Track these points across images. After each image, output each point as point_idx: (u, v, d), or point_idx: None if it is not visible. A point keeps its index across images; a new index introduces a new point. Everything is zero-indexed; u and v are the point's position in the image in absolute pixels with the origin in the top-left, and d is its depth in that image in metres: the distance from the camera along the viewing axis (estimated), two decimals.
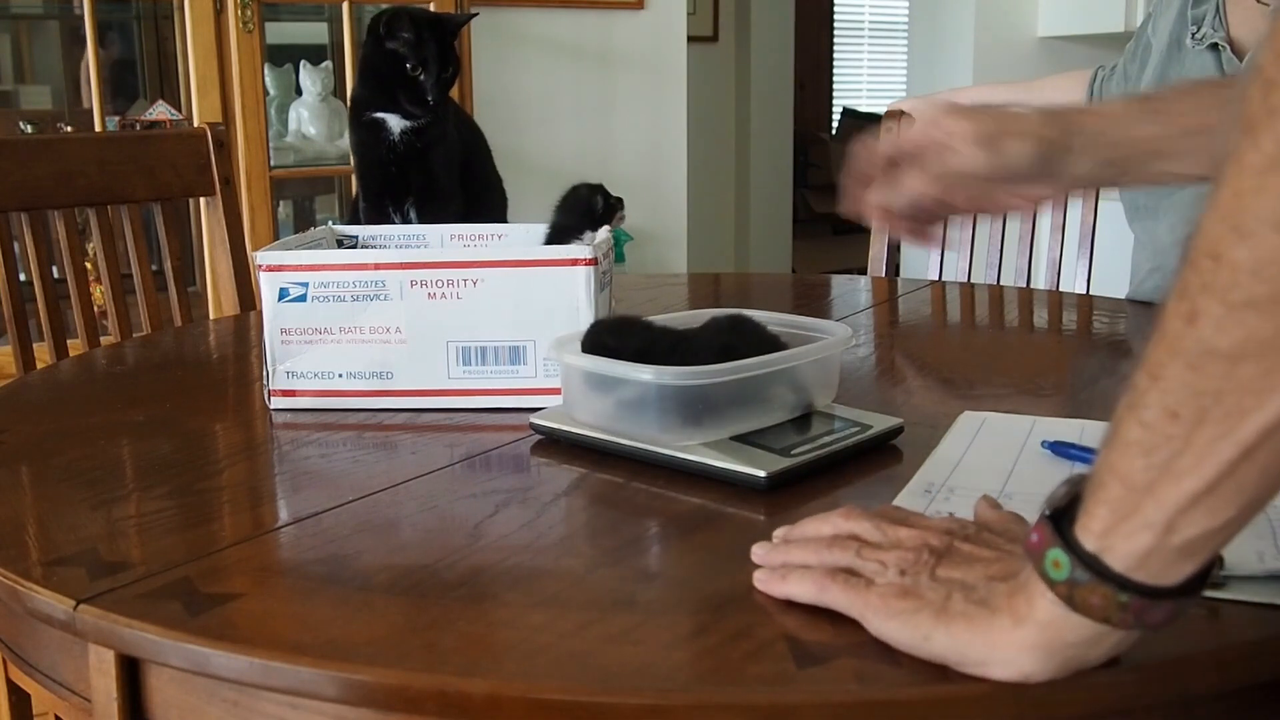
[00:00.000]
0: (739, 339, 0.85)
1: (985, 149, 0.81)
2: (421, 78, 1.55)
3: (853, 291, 1.60)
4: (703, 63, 4.79)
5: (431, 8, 2.70)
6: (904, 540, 0.59)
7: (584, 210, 1.17)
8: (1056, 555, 0.49)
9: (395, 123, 1.58)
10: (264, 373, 0.98)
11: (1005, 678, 0.51)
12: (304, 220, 3.26)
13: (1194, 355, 0.44)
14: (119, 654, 0.61)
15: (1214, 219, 0.43)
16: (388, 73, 1.57)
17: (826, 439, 0.82)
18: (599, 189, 1.18)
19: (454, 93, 2.67)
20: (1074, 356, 1.24)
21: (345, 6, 2.69)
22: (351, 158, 1.75)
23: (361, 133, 1.61)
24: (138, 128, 2.76)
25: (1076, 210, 1.65)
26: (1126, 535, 0.47)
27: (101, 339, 1.52)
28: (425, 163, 1.60)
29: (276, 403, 0.97)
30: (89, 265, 1.87)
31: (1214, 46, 1.38)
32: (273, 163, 2.64)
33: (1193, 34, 1.41)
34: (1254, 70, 0.42)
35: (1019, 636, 0.50)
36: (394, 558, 0.68)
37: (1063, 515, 0.50)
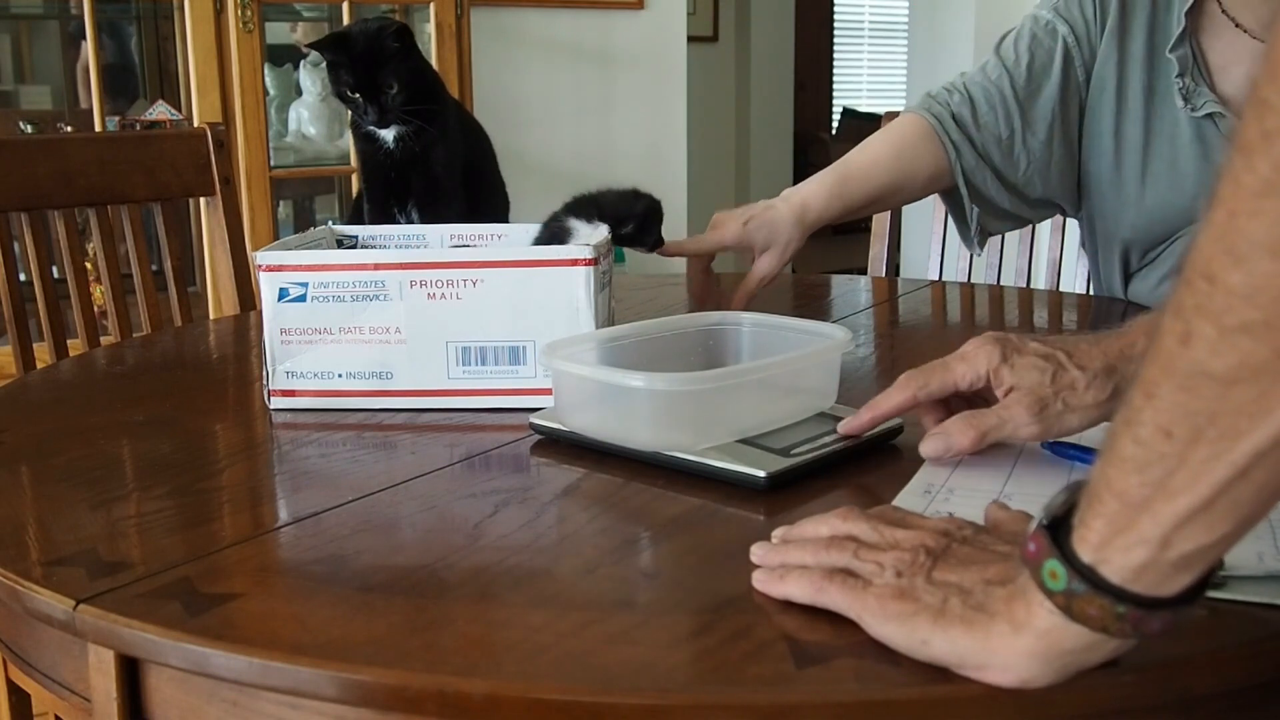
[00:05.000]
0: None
1: (1039, 423, 0.76)
2: (360, 100, 1.55)
3: (853, 291, 1.60)
4: (703, 63, 4.79)
5: (431, 11, 2.70)
6: (901, 541, 0.59)
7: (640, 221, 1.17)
8: (1053, 566, 0.49)
9: (387, 132, 1.58)
10: (264, 373, 0.98)
11: (1004, 683, 0.51)
12: (304, 220, 3.27)
13: (1187, 376, 0.44)
14: (119, 654, 0.61)
15: (1209, 239, 0.43)
16: (338, 93, 1.58)
17: (826, 439, 0.82)
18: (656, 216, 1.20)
19: (454, 93, 2.68)
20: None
21: (345, 6, 2.69)
22: (354, 160, 1.76)
23: (360, 141, 1.62)
24: (138, 128, 2.76)
25: None
26: (1123, 549, 0.47)
27: (101, 339, 1.52)
28: (425, 166, 1.60)
29: (276, 403, 0.97)
30: (89, 265, 1.87)
31: (1210, 116, 1.25)
32: (273, 163, 2.64)
33: (1184, 97, 1.26)
34: (1250, 90, 0.42)
35: (1017, 643, 0.50)
36: (394, 558, 0.68)
37: (1060, 525, 0.50)
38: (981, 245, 1.42)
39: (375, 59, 1.56)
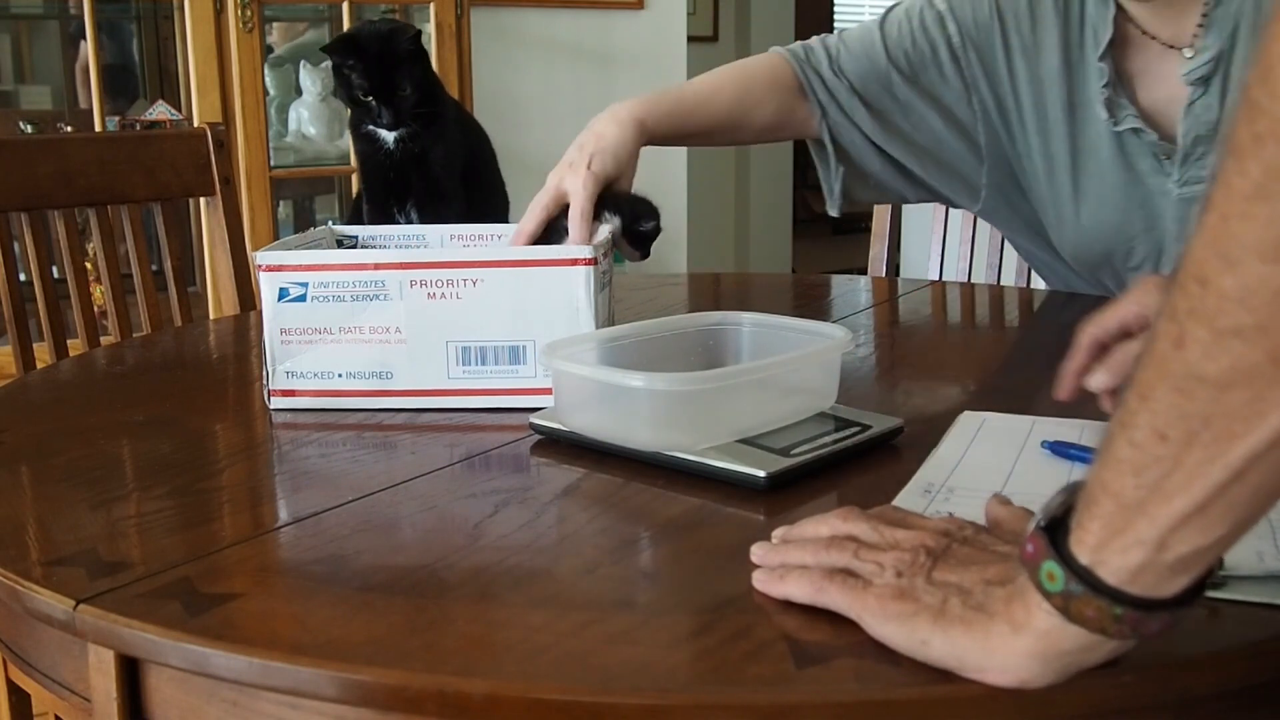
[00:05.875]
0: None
1: None
2: (373, 103, 1.56)
3: (853, 291, 1.60)
4: (703, 63, 4.78)
5: (431, 11, 2.70)
6: (901, 541, 0.59)
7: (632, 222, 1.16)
8: (1051, 567, 0.49)
9: (387, 133, 1.58)
10: (264, 373, 0.98)
11: (1003, 684, 0.51)
12: (304, 220, 3.27)
13: (1181, 379, 0.44)
14: (119, 654, 0.61)
15: (1202, 243, 0.43)
16: (349, 96, 1.58)
17: (826, 439, 0.82)
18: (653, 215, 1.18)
19: (454, 93, 2.68)
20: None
21: (345, 6, 2.69)
22: (354, 160, 1.76)
23: (359, 142, 1.62)
24: (138, 128, 2.76)
25: None
26: (1119, 551, 0.47)
27: (101, 339, 1.52)
28: (424, 167, 1.60)
29: (276, 403, 0.97)
30: (89, 265, 1.87)
31: (1135, 130, 1.23)
32: (273, 163, 2.64)
33: (1107, 108, 1.23)
34: (1241, 92, 0.42)
35: (1017, 644, 0.50)
36: (394, 558, 0.68)
37: (1058, 526, 0.50)
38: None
39: (392, 62, 1.56)
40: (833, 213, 1.40)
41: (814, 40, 1.37)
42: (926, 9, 1.34)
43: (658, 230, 1.17)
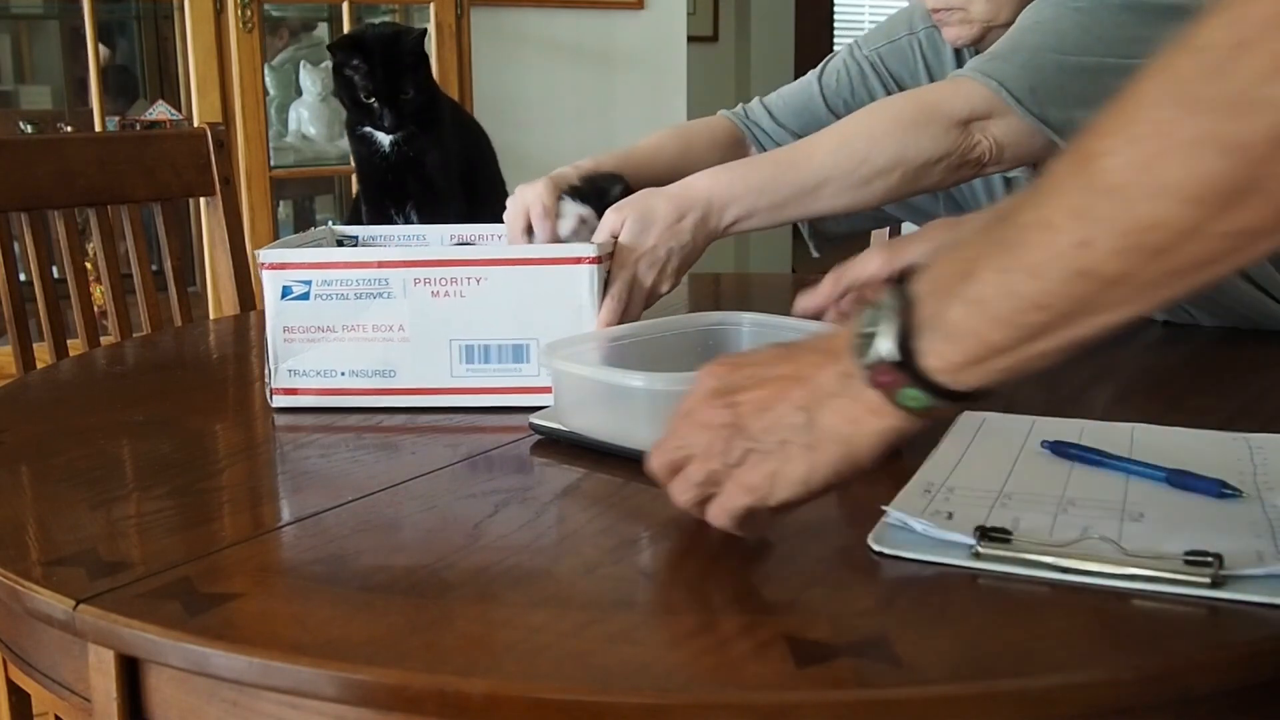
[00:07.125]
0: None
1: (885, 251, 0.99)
2: (375, 105, 1.56)
3: None
4: (703, 63, 4.79)
5: (431, 11, 2.70)
6: (702, 439, 0.63)
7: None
8: (914, 394, 0.57)
9: (383, 136, 1.58)
10: (266, 371, 0.98)
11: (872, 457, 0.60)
12: (304, 220, 3.27)
13: (1077, 275, 0.51)
14: (119, 654, 0.61)
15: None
16: (351, 98, 1.58)
17: None
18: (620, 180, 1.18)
19: (454, 93, 2.68)
20: (1073, 356, 1.23)
21: (345, 6, 2.69)
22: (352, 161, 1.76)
23: (355, 144, 1.63)
24: (138, 128, 2.76)
25: None
26: (977, 377, 0.56)
27: (101, 339, 1.52)
28: (420, 169, 1.60)
29: (279, 401, 0.97)
30: (89, 265, 1.87)
31: (1006, 179, 1.29)
32: (273, 163, 2.64)
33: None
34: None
35: (877, 425, 0.59)
36: (394, 558, 0.68)
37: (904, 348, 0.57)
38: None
39: (396, 64, 1.56)
40: (814, 254, 1.44)
41: (753, 101, 1.42)
42: (864, 61, 1.39)
43: (628, 191, 1.17)
